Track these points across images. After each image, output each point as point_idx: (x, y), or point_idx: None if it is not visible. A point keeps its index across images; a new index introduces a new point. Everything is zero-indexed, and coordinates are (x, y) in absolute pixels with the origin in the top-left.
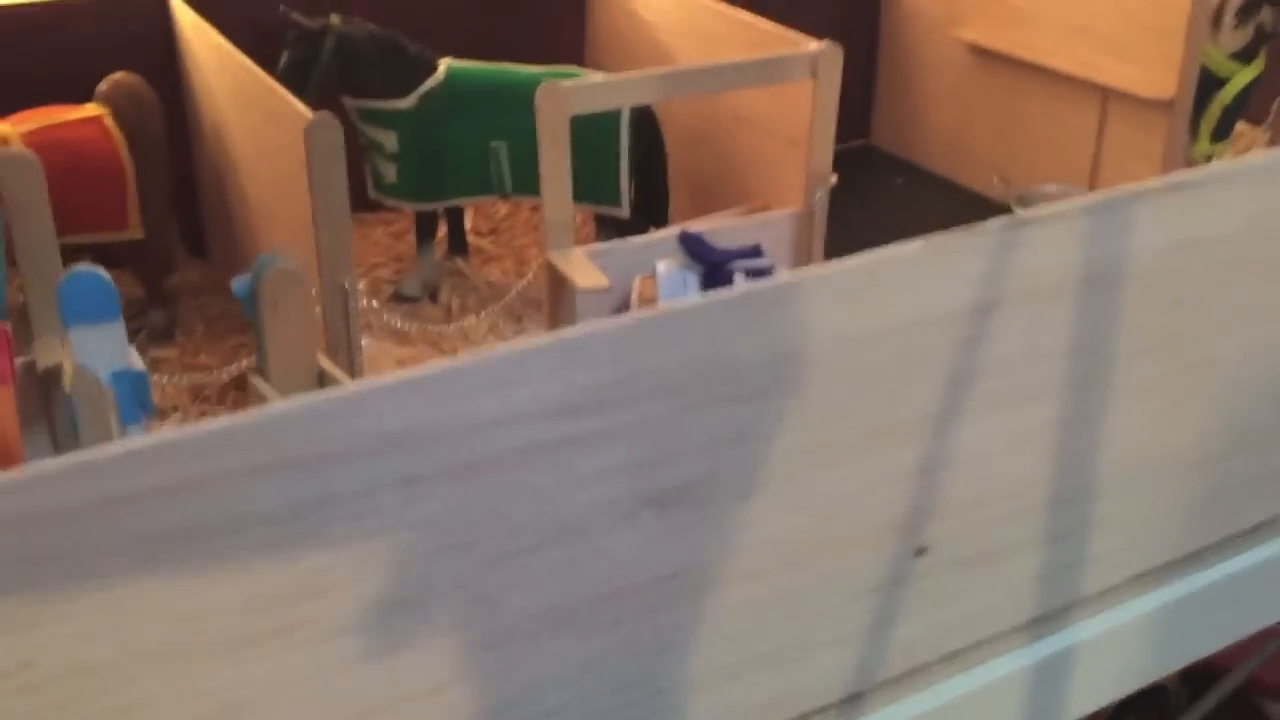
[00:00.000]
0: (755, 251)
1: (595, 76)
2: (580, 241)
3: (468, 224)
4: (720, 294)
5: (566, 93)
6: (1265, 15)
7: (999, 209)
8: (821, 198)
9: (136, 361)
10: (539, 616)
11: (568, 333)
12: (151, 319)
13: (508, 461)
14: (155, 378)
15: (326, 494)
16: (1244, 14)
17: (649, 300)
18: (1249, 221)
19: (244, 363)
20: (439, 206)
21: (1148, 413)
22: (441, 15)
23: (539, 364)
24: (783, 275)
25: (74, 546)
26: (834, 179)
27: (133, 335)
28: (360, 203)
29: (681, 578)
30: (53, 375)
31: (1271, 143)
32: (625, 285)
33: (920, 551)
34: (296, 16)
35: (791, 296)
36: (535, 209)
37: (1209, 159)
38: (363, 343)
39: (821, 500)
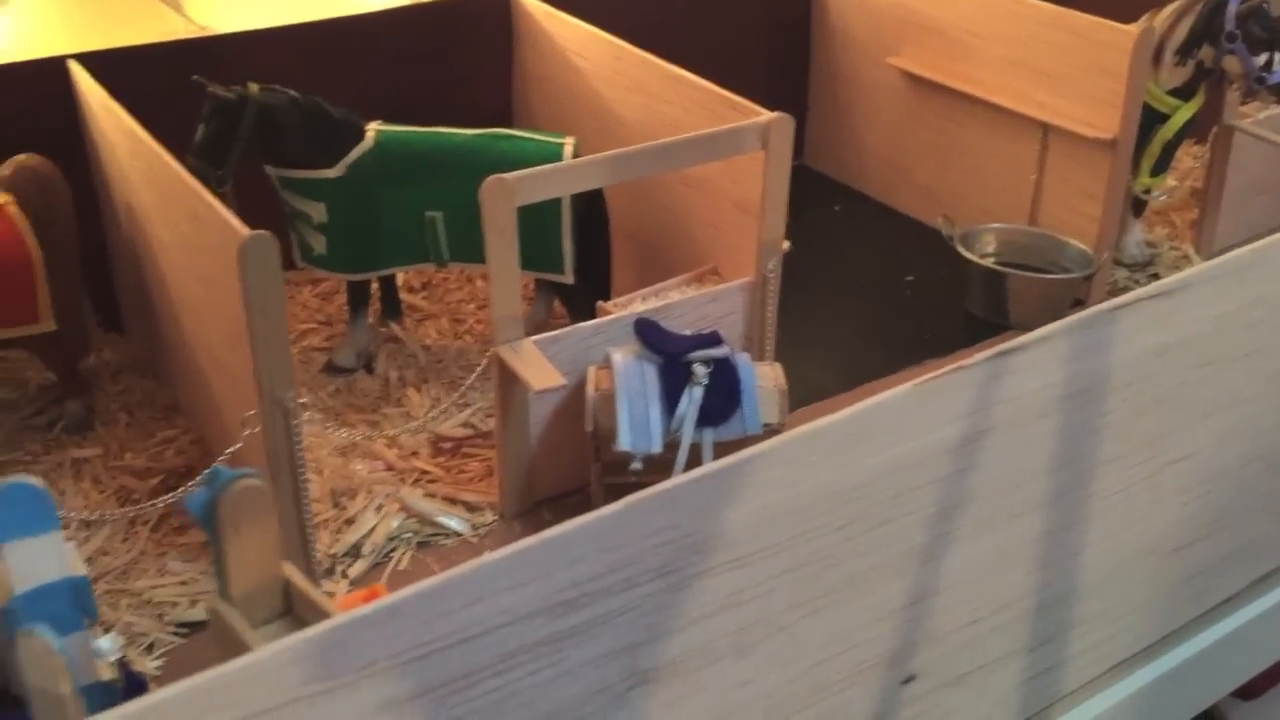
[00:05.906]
0: (713, 339)
1: (531, 138)
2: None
3: (399, 280)
4: (704, 471)
5: (512, 185)
6: (1204, 52)
7: (937, 237)
8: (774, 267)
9: (78, 566)
10: None
11: (552, 533)
12: (69, 409)
13: (496, 669)
14: (80, 485)
15: None
16: (1184, 52)
17: (605, 392)
18: (1219, 318)
19: (176, 494)
20: (372, 276)
21: (1128, 512)
22: (364, 73)
23: (525, 569)
24: (769, 442)
25: None
26: (787, 246)
27: (49, 426)
28: (284, 261)
29: None
30: None
31: (1209, 168)
32: (579, 374)
33: (908, 679)
34: (213, 88)
35: (775, 460)
36: None
37: (1148, 192)
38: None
39: (812, 648)
